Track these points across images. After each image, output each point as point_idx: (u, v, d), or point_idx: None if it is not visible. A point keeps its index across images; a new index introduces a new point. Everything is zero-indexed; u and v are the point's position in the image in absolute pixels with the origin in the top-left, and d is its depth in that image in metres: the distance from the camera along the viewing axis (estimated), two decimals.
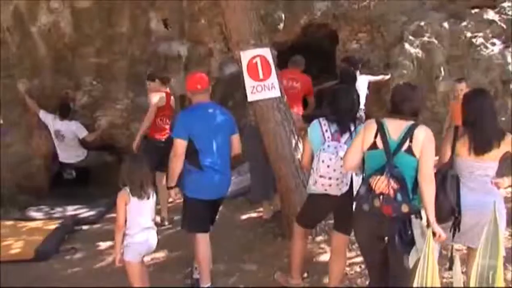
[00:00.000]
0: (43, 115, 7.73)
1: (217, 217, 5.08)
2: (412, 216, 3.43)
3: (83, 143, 7.89)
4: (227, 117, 4.83)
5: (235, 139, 4.88)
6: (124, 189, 4.28)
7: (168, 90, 6.89)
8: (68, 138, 7.72)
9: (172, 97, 6.96)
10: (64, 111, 7.77)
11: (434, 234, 3.36)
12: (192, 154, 4.61)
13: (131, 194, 4.24)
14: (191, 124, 4.61)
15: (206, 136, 4.62)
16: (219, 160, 4.68)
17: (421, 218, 3.44)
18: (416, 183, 3.46)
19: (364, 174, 3.67)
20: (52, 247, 6.05)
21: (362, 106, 6.93)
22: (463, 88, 6.83)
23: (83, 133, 7.80)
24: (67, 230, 6.59)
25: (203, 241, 4.66)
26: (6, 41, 7.61)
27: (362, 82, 7.44)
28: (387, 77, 8.30)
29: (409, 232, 3.41)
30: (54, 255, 5.96)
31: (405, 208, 3.35)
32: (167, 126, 6.67)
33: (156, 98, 6.59)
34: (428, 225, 3.41)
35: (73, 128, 7.75)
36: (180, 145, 4.58)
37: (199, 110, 4.72)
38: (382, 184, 3.35)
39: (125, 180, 4.29)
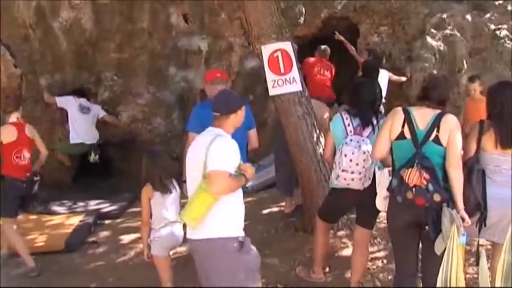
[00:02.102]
0: (60, 100, 7.64)
1: None
2: (444, 204, 3.43)
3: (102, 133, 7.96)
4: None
5: (252, 133, 4.79)
6: (148, 185, 4.31)
7: (20, 120, 5.70)
8: (92, 113, 7.77)
9: (28, 126, 5.72)
10: (79, 94, 7.86)
11: (463, 219, 3.37)
12: None
13: (154, 189, 4.26)
14: (205, 118, 4.47)
15: None
16: None
17: (452, 208, 3.42)
18: (444, 170, 3.46)
19: (393, 166, 3.65)
20: (79, 240, 6.17)
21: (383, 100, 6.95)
22: (476, 88, 6.76)
23: (102, 113, 7.92)
24: (92, 224, 6.67)
25: None
26: (29, 37, 7.68)
27: (384, 77, 7.44)
28: (404, 79, 8.27)
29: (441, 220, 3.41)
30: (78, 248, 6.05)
31: (437, 197, 3.36)
32: (26, 162, 5.57)
33: None
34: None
35: (94, 107, 7.85)
36: (193, 138, 4.52)
37: None
38: (414, 176, 3.36)
39: (145, 176, 4.32)
